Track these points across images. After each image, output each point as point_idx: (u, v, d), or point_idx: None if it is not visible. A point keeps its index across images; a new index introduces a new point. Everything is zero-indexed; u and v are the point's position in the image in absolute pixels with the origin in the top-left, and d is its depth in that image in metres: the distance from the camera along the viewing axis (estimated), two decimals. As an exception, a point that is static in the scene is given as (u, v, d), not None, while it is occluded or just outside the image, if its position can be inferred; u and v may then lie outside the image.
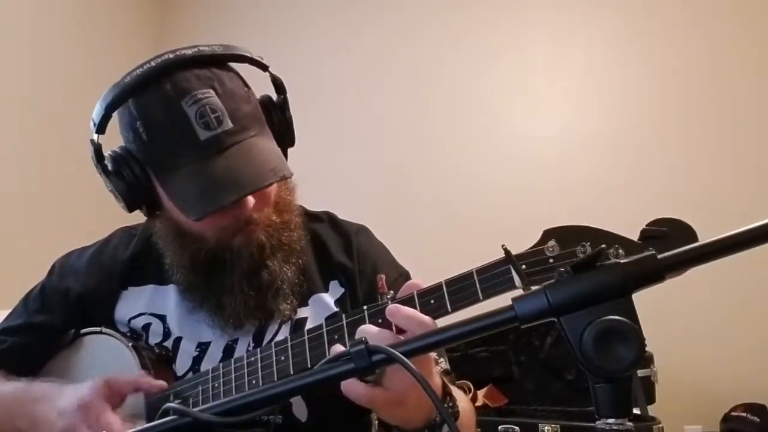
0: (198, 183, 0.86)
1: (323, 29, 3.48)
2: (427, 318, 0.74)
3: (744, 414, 2.51)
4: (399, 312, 0.74)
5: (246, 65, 0.97)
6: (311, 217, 1.08)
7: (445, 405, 0.79)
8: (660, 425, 2.03)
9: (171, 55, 0.89)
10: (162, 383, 0.91)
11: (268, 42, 3.40)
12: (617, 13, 3.00)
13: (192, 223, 0.92)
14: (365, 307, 0.83)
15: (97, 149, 0.92)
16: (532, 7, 3.12)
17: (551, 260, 0.73)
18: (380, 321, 0.80)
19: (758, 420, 2.47)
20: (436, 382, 0.79)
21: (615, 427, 0.49)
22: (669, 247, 0.67)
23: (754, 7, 2.80)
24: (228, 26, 3.57)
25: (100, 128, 0.91)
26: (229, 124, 0.88)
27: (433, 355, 0.78)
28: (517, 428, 2.09)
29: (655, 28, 2.94)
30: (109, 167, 0.92)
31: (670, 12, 2.92)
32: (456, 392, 0.84)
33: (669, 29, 2.91)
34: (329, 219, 1.09)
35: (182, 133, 0.86)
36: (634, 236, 0.72)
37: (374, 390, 0.72)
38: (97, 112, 0.91)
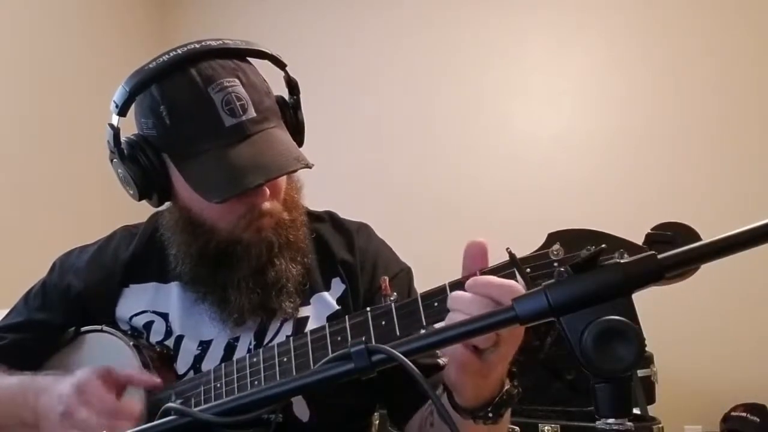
0: (221, 167, 0.87)
1: (322, 29, 3.49)
2: (519, 286, 0.69)
3: (744, 414, 2.51)
4: (491, 281, 0.69)
5: (258, 65, 0.98)
6: (314, 217, 1.08)
7: (512, 384, 0.80)
8: (660, 425, 2.03)
9: (197, 45, 0.91)
10: (157, 381, 0.92)
11: (268, 42, 3.38)
12: (617, 14, 3.00)
13: (205, 212, 0.93)
14: (368, 309, 0.83)
15: (117, 132, 0.92)
16: (533, 7, 3.12)
17: (556, 264, 0.73)
18: (383, 323, 0.80)
19: (758, 420, 2.48)
20: (498, 376, 0.78)
21: (615, 427, 0.49)
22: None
23: (755, 7, 2.80)
24: (228, 26, 3.58)
25: (123, 111, 0.92)
26: (253, 113, 0.89)
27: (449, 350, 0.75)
28: (517, 428, 2.09)
29: (655, 28, 2.94)
30: (125, 152, 0.92)
31: (670, 12, 2.92)
32: None
33: (669, 29, 2.92)
34: (331, 218, 1.10)
35: (207, 118, 0.87)
36: (635, 235, 0.72)
37: (472, 356, 0.70)
38: (120, 95, 0.91)
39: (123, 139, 0.94)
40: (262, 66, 0.98)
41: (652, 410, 2.17)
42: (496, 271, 0.75)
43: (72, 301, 1.04)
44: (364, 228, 1.09)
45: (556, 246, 0.74)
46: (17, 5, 2.89)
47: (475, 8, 3.21)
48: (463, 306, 0.69)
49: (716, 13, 2.86)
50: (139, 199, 0.96)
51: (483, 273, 0.74)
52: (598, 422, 0.49)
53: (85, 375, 0.87)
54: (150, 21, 3.67)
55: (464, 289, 0.72)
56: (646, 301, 0.55)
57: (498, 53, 3.17)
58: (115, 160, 0.94)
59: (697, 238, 0.69)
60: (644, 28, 2.95)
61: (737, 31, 2.82)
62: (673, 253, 0.50)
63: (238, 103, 0.88)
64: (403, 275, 1.04)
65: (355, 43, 3.45)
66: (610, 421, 0.49)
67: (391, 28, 3.38)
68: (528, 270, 0.73)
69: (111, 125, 0.92)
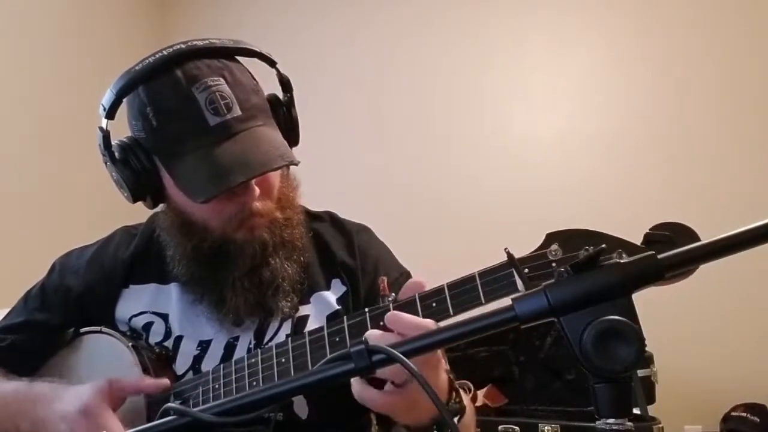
0: (206, 167, 0.87)
1: (322, 29, 3.48)
2: (428, 322, 0.74)
3: (744, 414, 2.51)
4: (399, 320, 0.73)
5: (253, 64, 0.98)
6: (313, 216, 1.08)
7: (452, 400, 0.80)
8: (660, 425, 2.03)
9: (183, 45, 0.91)
10: (165, 382, 0.91)
11: (268, 42, 3.37)
12: (617, 14, 3.00)
13: (197, 211, 0.93)
14: (366, 310, 0.83)
15: (106, 136, 0.93)
16: (533, 7, 3.12)
17: (554, 264, 0.73)
18: (382, 323, 0.81)
19: (758, 420, 2.47)
20: (443, 378, 0.79)
21: (615, 427, 0.49)
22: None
23: (755, 7, 2.80)
24: (228, 26, 3.58)
25: (110, 114, 0.92)
26: (238, 111, 0.89)
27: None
28: (517, 428, 2.09)
29: (655, 28, 2.94)
30: (117, 155, 0.93)
31: (670, 12, 2.92)
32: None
33: (669, 29, 2.91)
34: (331, 218, 1.10)
35: (192, 118, 0.87)
36: (635, 237, 0.72)
37: (391, 395, 0.72)
38: (107, 98, 0.91)
39: (115, 142, 0.94)
40: (258, 65, 0.98)
41: (652, 410, 2.17)
42: (496, 271, 0.76)
43: (71, 302, 1.04)
44: (364, 230, 1.09)
45: (555, 246, 0.74)
46: (17, 5, 2.89)
47: (475, 8, 3.21)
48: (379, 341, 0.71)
49: (716, 13, 2.85)
50: (134, 202, 0.97)
51: (482, 273, 0.76)
52: (598, 422, 0.49)
53: (91, 396, 0.85)
54: (150, 21, 3.67)
55: (467, 291, 0.73)
56: (646, 301, 0.55)
57: (498, 53, 3.17)
58: (107, 163, 0.94)
59: (696, 238, 0.69)
60: (644, 28, 2.95)
61: (737, 31, 2.82)
62: (673, 253, 0.50)
63: (222, 102, 0.88)
64: (403, 279, 1.04)
65: (356, 44, 3.44)
66: (610, 421, 0.49)
67: (391, 29, 3.38)
68: (526, 270, 0.74)
69: (100, 128, 0.93)
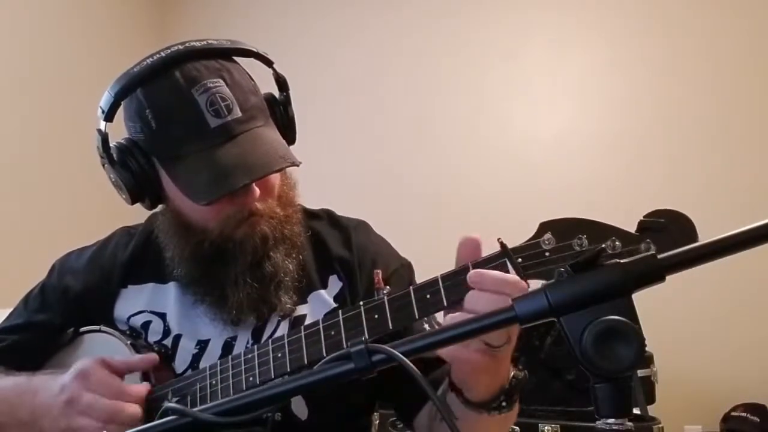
0: (207, 169, 0.87)
1: (323, 29, 3.48)
2: (515, 277, 0.70)
3: (744, 414, 2.51)
4: (484, 277, 0.70)
5: (249, 63, 0.98)
6: (310, 214, 1.08)
7: (517, 369, 0.82)
8: (660, 425, 2.03)
9: (180, 47, 0.91)
10: (153, 356, 0.93)
11: (269, 42, 3.38)
12: (617, 14, 3.00)
13: (196, 213, 0.93)
14: (361, 303, 0.83)
15: (105, 138, 0.93)
16: (533, 8, 3.12)
17: (547, 253, 0.74)
18: (376, 317, 0.80)
19: (758, 420, 2.48)
20: (507, 365, 0.80)
21: (615, 427, 0.48)
22: (667, 239, 0.68)
23: (754, 7, 2.80)
24: (228, 26, 3.58)
25: (109, 116, 0.92)
26: (238, 113, 0.89)
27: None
28: (517, 428, 2.09)
29: (655, 28, 2.94)
30: (115, 157, 0.93)
31: (670, 12, 2.92)
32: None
33: (669, 29, 2.91)
34: (328, 216, 1.10)
35: (192, 120, 0.87)
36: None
37: (485, 355, 0.72)
38: (105, 101, 0.91)
39: (113, 144, 0.94)
40: (254, 64, 0.98)
41: (652, 410, 2.17)
42: (488, 261, 0.76)
43: (71, 302, 1.04)
44: (362, 225, 1.09)
45: (548, 235, 0.74)
46: (17, 6, 2.89)
47: (475, 8, 3.21)
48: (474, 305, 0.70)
49: (716, 13, 2.85)
50: (132, 203, 0.97)
51: (475, 264, 0.76)
52: (598, 422, 0.49)
53: (86, 362, 0.88)
54: (150, 21, 3.67)
55: (461, 282, 0.73)
56: (646, 301, 0.55)
57: (498, 53, 3.17)
58: (106, 165, 0.94)
59: (690, 225, 0.69)
60: (644, 28, 2.95)
61: (737, 31, 2.82)
62: (673, 253, 0.50)
63: (222, 104, 0.88)
64: (403, 271, 1.04)
65: (356, 43, 3.45)
66: (610, 421, 0.49)
67: (391, 29, 3.38)
68: (519, 260, 0.74)
69: (99, 131, 0.92)
